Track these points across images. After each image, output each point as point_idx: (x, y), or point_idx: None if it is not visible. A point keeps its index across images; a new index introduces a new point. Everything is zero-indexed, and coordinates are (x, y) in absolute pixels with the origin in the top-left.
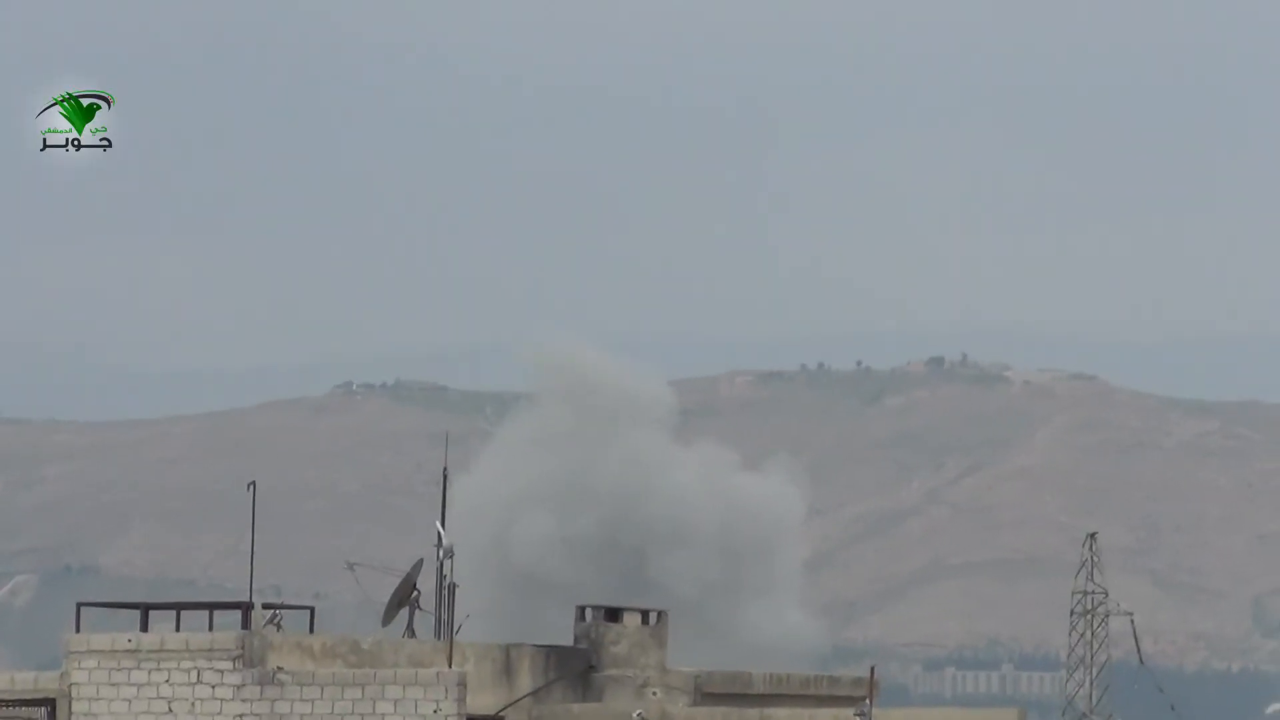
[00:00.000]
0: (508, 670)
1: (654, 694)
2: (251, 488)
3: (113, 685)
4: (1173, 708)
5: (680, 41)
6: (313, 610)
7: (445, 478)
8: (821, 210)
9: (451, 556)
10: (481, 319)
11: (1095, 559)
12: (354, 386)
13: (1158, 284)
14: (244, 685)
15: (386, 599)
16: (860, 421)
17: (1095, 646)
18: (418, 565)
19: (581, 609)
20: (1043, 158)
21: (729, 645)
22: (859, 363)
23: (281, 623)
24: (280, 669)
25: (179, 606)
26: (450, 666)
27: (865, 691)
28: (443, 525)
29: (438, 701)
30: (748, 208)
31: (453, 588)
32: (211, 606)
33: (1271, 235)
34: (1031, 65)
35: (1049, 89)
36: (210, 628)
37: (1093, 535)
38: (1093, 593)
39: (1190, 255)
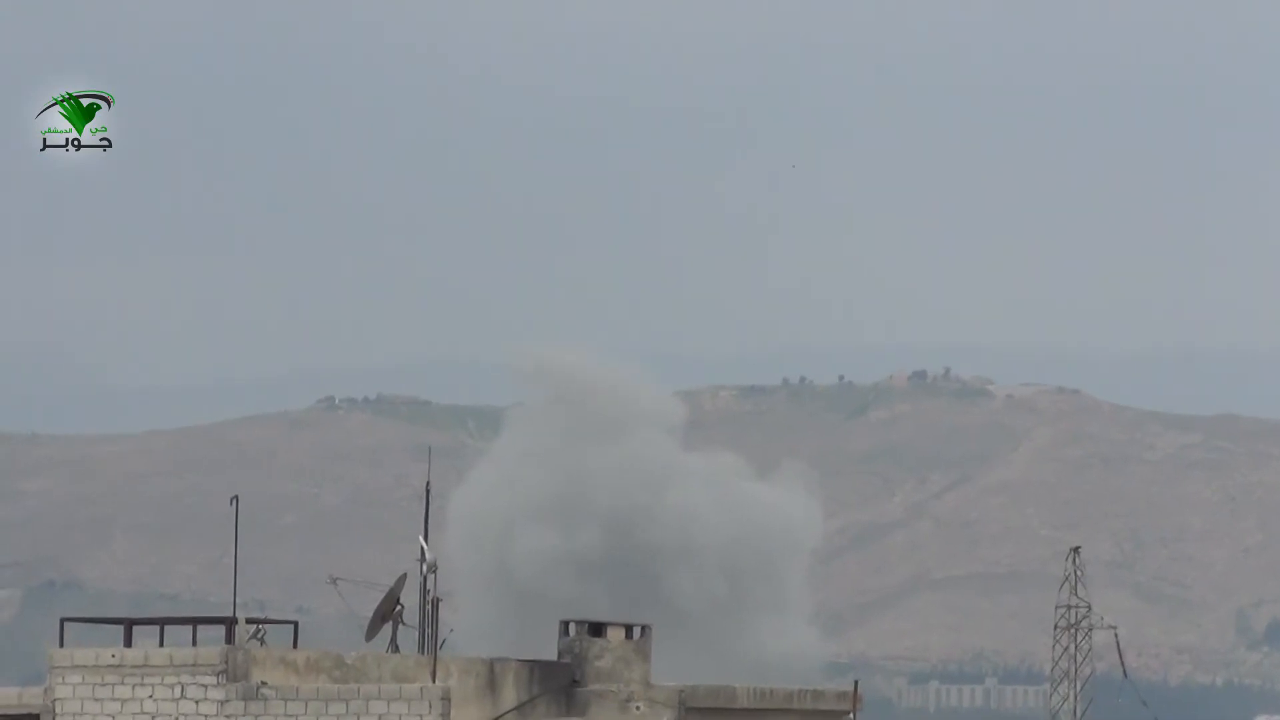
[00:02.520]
0: (492, 685)
1: (638, 708)
2: (234, 502)
3: (96, 700)
4: None
5: (663, 54)
6: (296, 625)
7: (428, 492)
8: (802, 224)
9: (435, 571)
10: (464, 333)
11: (1079, 572)
12: (336, 401)
13: (1140, 298)
14: (228, 700)
15: (370, 613)
16: (843, 436)
17: (1079, 660)
18: (401, 579)
19: (565, 624)
20: (1025, 172)
21: (737, 660)
22: (841, 377)
23: (265, 637)
24: (264, 684)
25: (163, 621)
26: (434, 681)
27: (849, 705)
28: (426, 539)
29: (421, 716)
30: (728, 222)
31: (436, 602)
32: (195, 621)
33: (1253, 249)
34: (1012, 82)
35: (1031, 104)
36: (194, 642)
37: (1076, 549)
38: (1076, 606)
39: (1172, 269)
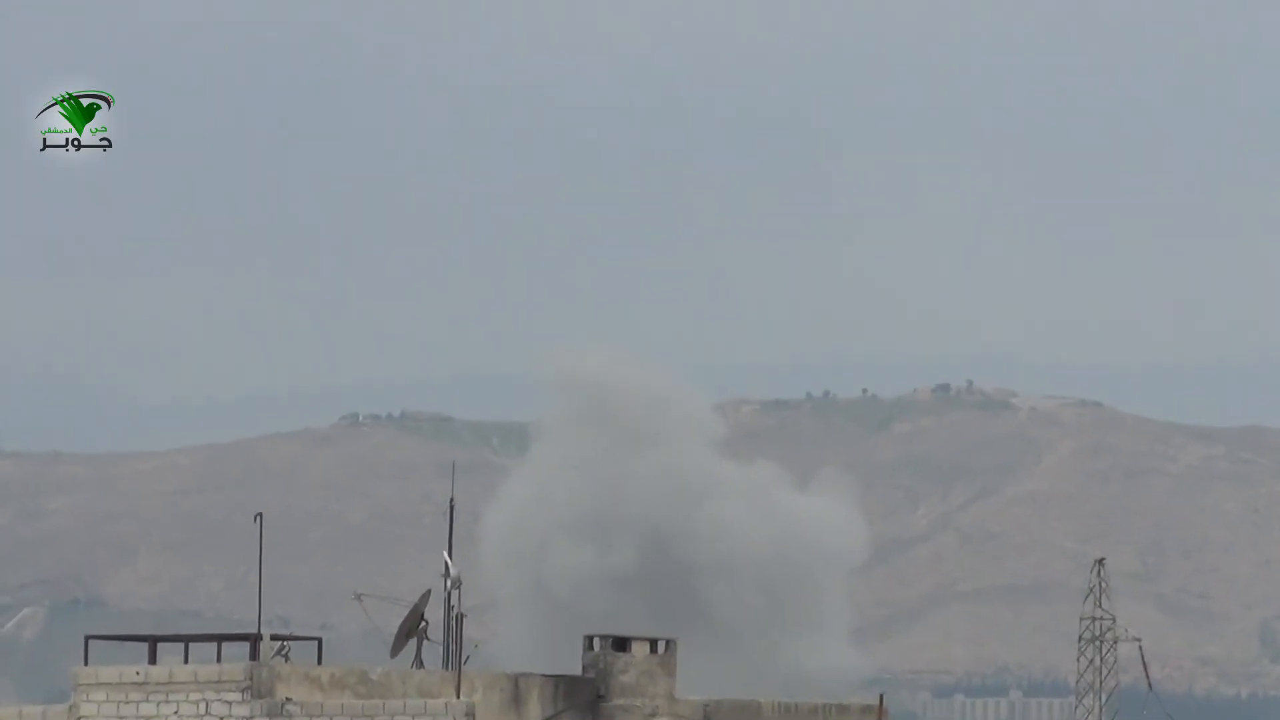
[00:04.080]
0: (516, 700)
1: None
2: (259, 519)
3: (121, 718)
4: None
5: (693, 65)
6: (320, 641)
7: (452, 508)
8: (825, 237)
9: (459, 586)
10: (486, 349)
11: (1103, 585)
12: (360, 417)
13: (1163, 310)
14: (253, 717)
15: (394, 629)
16: (867, 449)
17: (1104, 672)
18: (425, 595)
19: (589, 638)
20: (1049, 184)
21: (776, 675)
22: (865, 390)
23: (289, 654)
24: (289, 700)
25: (187, 639)
26: (458, 697)
27: (875, 719)
28: (450, 555)
29: None
30: (751, 234)
31: (460, 617)
32: (219, 638)
33: (1276, 260)
34: (1038, 95)
35: (1057, 118)
36: (218, 659)
37: (1100, 561)
38: (1101, 618)
39: (1195, 281)
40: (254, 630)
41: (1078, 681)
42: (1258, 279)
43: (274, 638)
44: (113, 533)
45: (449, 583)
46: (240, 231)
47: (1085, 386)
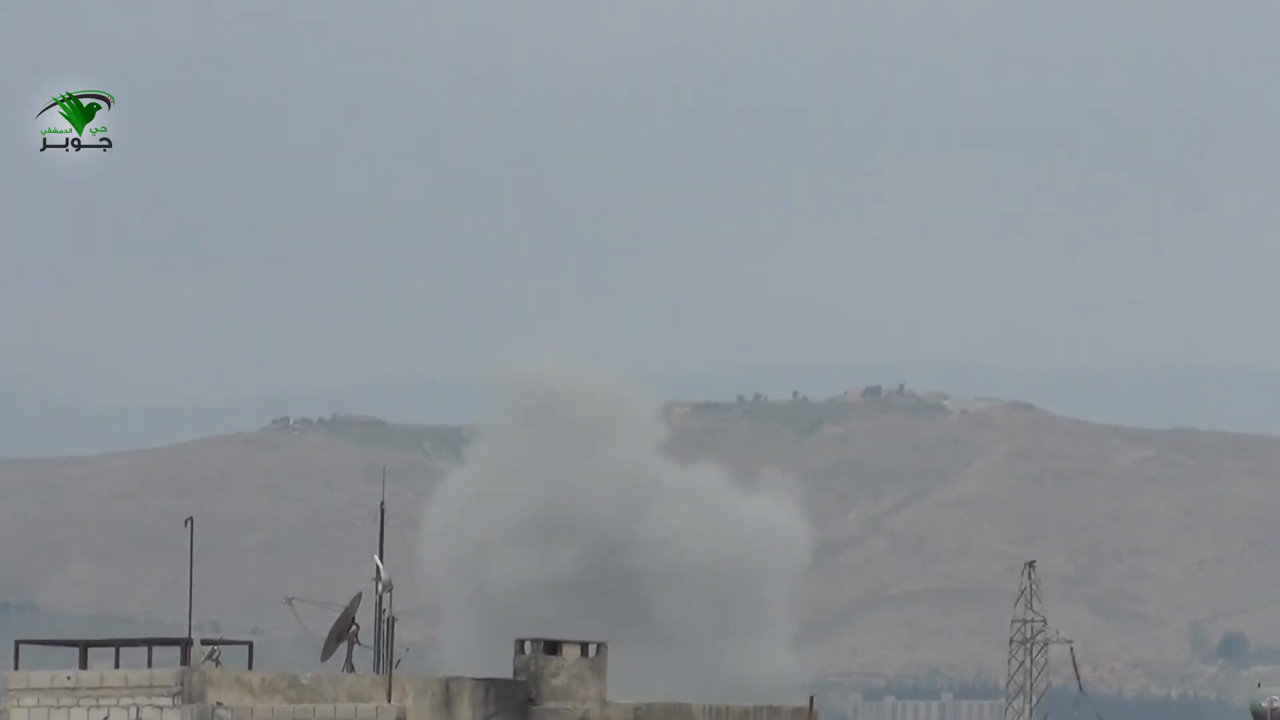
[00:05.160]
0: (447, 704)
1: None
2: (189, 524)
3: None
4: None
5: (623, 76)
6: (251, 646)
7: (383, 512)
8: (757, 240)
9: (390, 590)
10: (418, 353)
11: (1034, 587)
12: (290, 421)
13: (1095, 314)
14: None
15: (326, 634)
16: (798, 452)
17: (1035, 674)
18: (356, 599)
19: (520, 642)
20: (979, 188)
21: (719, 680)
22: (795, 393)
23: (220, 658)
24: (220, 704)
25: (118, 643)
26: (389, 701)
27: None
28: (381, 559)
29: None
30: (681, 237)
31: (391, 621)
32: (150, 643)
33: (1208, 266)
34: (970, 103)
35: (988, 125)
36: (149, 664)
37: (1031, 564)
38: (1032, 621)
39: (1127, 285)
40: (185, 635)
41: (1008, 683)
42: (1191, 283)
43: (204, 642)
44: (46, 537)
45: (380, 586)
46: (173, 239)
47: (1017, 389)
